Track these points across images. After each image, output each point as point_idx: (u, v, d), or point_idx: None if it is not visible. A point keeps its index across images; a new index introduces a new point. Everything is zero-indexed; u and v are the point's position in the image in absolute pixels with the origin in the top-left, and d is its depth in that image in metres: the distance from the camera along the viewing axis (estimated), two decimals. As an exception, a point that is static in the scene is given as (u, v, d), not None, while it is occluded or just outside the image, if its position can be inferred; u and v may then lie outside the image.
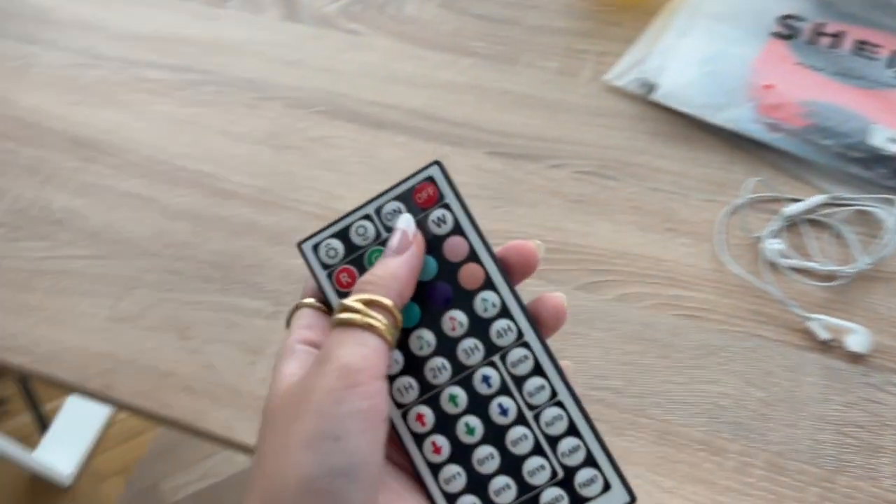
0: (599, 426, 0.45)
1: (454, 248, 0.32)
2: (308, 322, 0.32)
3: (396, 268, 0.30)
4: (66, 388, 0.51)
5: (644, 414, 0.46)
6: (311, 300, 0.33)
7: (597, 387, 0.47)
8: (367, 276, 0.30)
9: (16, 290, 0.55)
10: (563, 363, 0.31)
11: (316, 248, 0.33)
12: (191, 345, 0.51)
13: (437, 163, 0.33)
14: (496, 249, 0.32)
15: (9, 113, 0.65)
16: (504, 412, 0.30)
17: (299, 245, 0.33)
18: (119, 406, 0.51)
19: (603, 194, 0.55)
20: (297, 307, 0.33)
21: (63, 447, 1.45)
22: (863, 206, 0.52)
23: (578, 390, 0.47)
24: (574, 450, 0.30)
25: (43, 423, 1.51)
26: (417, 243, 0.31)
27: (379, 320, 0.29)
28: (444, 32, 0.66)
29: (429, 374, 0.31)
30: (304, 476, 0.26)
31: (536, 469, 0.30)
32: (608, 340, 0.49)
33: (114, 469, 1.47)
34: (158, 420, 0.50)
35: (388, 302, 0.29)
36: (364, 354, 0.28)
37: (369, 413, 0.27)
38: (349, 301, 0.29)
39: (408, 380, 0.31)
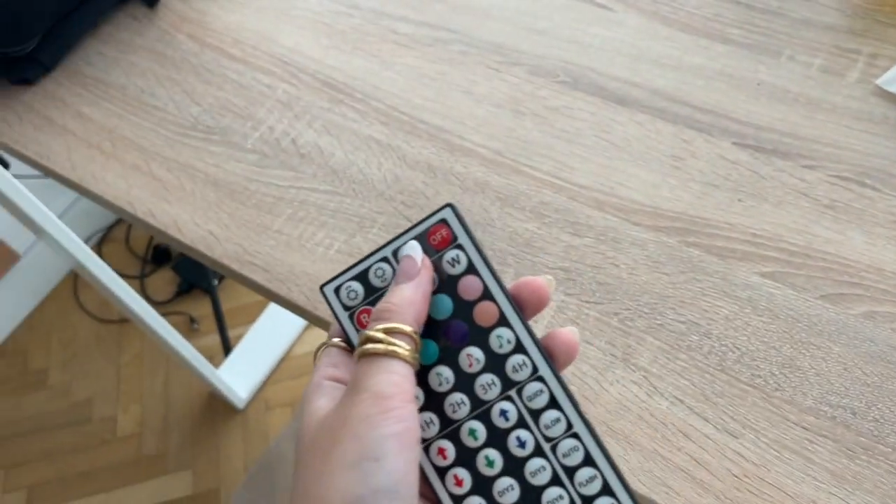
0: (830, 445, 0.43)
1: (468, 287, 0.33)
2: (334, 360, 0.33)
3: (411, 293, 0.32)
4: (298, 311, 0.54)
5: (883, 441, 0.43)
6: (336, 340, 0.34)
7: (831, 404, 0.44)
8: (383, 305, 0.32)
9: (262, 212, 0.59)
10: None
11: (337, 290, 0.35)
12: (415, 289, 0.53)
13: (449, 205, 0.34)
14: (512, 285, 0.33)
15: (271, 50, 0.69)
16: (522, 444, 0.31)
17: (322, 288, 0.35)
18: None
19: (859, 203, 0.51)
20: (323, 346, 0.35)
21: (241, 373, 1.56)
22: None
23: (808, 403, 0.44)
24: (591, 479, 0.30)
25: (227, 348, 1.63)
26: (426, 267, 0.33)
27: (402, 346, 0.30)
28: (701, 16, 0.63)
29: (448, 410, 0.32)
30: (349, 496, 0.27)
31: (555, 499, 0.30)
32: (849, 357, 0.45)
33: (282, 401, 1.56)
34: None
35: (408, 328, 0.31)
36: (393, 381, 0.29)
37: (404, 435, 0.28)
38: (371, 331, 0.31)
39: (429, 415, 0.32)
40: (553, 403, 0.31)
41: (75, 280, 1.81)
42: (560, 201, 0.55)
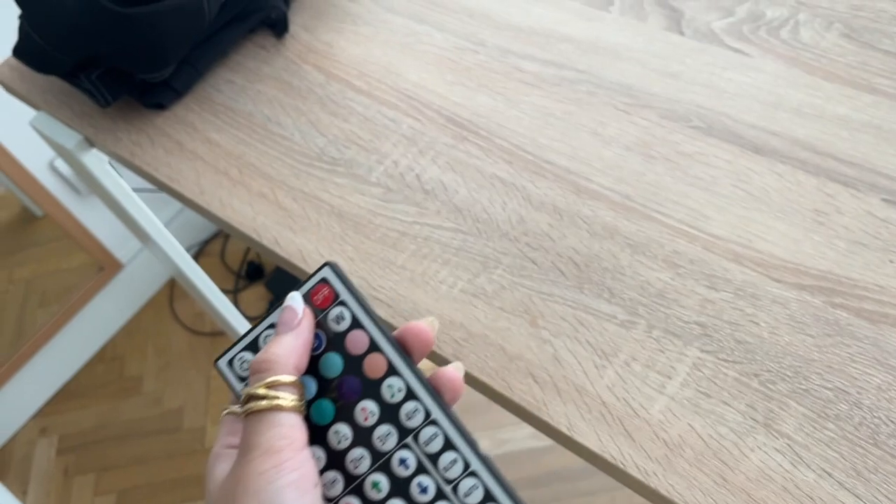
0: None
1: (355, 341, 0.34)
2: (230, 429, 0.35)
3: (291, 344, 0.33)
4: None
5: None
6: (234, 408, 0.35)
7: None
8: (263, 356, 0.33)
9: (386, 247, 0.59)
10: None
11: (231, 363, 0.36)
12: (541, 334, 0.52)
13: (328, 264, 0.35)
14: (395, 332, 0.34)
15: (395, 84, 0.70)
16: (424, 490, 0.32)
17: (215, 363, 0.36)
18: (465, 379, 0.52)
19: None
20: (223, 415, 0.35)
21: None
22: None
23: None
24: None
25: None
26: (307, 316, 0.34)
27: (285, 397, 0.32)
28: (844, 64, 0.61)
29: (350, 466, 0.33)
30: None
31: None
32: None
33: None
34: (499, 400, 0.51)
35: (288, 379, 0.32)
36: (283, 434, 0.31)
37: (301, 482, 0.30)
38: (253, 389, 0.32)
39: (333, 474, 0.33)
40: (448, 445, 0.32)
41: (171, 291, 1.86)
42: (695, 252, 0.53)
